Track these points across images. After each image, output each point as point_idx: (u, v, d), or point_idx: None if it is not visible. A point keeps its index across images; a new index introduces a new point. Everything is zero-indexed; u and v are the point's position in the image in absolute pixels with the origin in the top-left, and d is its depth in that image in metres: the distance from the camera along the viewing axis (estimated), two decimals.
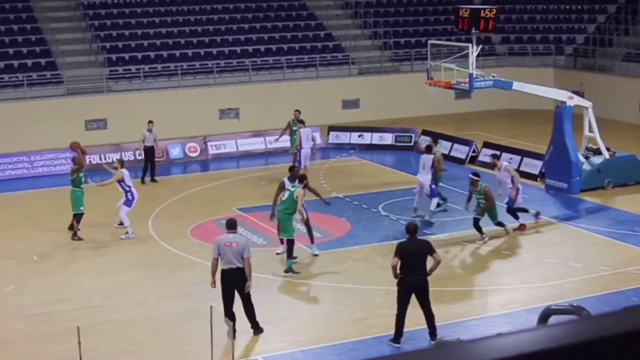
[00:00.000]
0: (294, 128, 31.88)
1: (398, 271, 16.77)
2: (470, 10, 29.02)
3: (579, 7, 49.65)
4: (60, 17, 44.28)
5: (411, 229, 17.14)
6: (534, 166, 31.71)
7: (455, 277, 21.49)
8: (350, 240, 24.30)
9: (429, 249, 16.96)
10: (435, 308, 17.32)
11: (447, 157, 34.31)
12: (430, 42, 32.00)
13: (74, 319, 18.71)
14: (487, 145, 34.61)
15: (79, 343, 14.97)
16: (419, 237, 17.73)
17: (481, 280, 21.49)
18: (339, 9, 49.30)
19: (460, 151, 35.13)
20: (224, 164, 34.61)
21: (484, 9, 28.83)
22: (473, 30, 28.44)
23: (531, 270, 21.87)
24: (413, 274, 16.70)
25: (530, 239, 24.63)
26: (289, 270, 21.59)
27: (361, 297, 19.85)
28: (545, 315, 13.75)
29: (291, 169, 23.45)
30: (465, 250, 23.77)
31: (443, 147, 35.64)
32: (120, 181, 25.41)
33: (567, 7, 49.84)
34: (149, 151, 31.96)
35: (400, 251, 16.78)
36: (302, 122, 31.61)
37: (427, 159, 25.95)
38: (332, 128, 38.84)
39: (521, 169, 32.04)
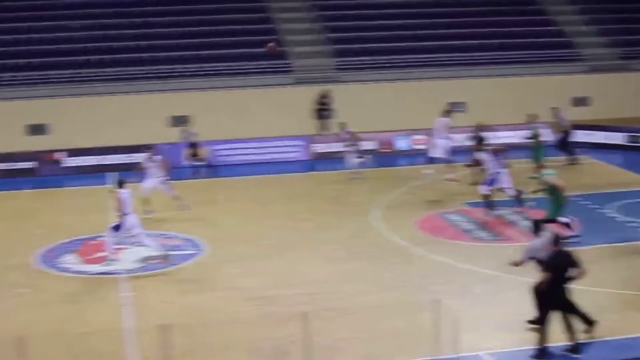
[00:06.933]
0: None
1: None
2: None
3: None
4: (290, 7, 45.07)
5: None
6: None
7: None
8: (579, 240, 23.62)
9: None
10: None
11: None
12: None
13: (297, 304, 19.02)
14: None
15: (304, 328, 15.14)
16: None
17: None
18: (568, 4, 48.07)
19: None
20: (452, 157, 33.92)
21: None
22: None
23: None
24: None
25: None
26: None
27: (587, 300, 19.20)
28: None
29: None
30: None
31: None
32: None
33: None
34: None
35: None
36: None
37: None
38: None
39: None
